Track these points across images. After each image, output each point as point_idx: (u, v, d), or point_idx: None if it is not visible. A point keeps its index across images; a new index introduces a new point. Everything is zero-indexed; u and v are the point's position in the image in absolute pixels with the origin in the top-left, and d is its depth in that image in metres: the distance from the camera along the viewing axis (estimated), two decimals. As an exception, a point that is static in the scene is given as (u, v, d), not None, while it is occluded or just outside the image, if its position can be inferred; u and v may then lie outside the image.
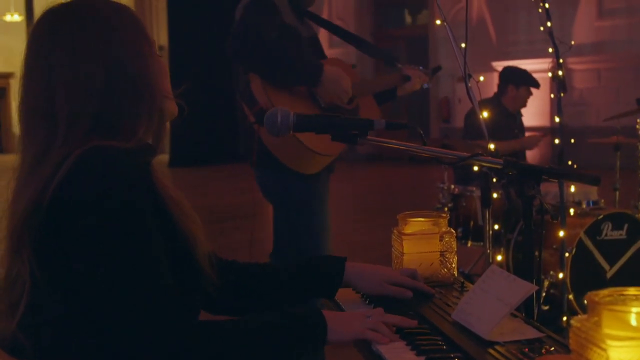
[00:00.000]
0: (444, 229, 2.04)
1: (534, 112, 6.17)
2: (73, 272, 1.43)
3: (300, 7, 3.47)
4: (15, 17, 21.87)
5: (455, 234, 2.06)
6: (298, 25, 3.41)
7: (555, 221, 4.09)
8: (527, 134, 6.03)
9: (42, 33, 1.58)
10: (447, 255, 2.03)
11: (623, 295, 1.11)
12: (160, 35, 19.31)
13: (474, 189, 4.95)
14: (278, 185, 3.36)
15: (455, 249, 2.05)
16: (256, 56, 3.15)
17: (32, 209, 1.44)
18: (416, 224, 2.04)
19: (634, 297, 1.10)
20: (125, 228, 1.43)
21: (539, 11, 3.98)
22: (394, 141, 1.86)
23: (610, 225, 4.54)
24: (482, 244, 4.81)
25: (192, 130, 13.33)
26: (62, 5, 1.61)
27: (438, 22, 3.38)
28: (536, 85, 5.76)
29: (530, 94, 5.78)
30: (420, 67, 3.77)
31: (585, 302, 1.12)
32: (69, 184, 1.43)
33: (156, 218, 1.50)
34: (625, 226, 4.57)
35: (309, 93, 3.27)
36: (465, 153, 1.88)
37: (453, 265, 2.04)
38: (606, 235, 4.53)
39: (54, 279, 1.45)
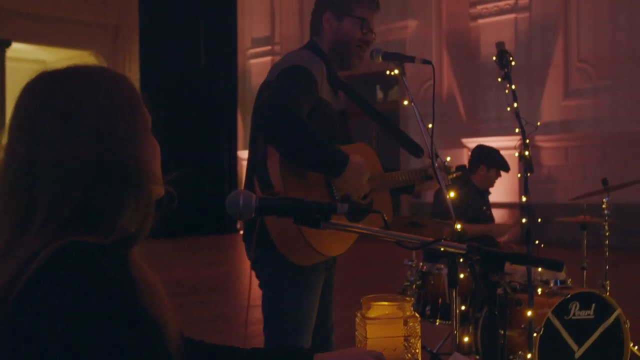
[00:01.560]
0: (408, 313, 2.01)
1: (502, 190, 6.23)
2: None
3: (338, 81, 3.32)
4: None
5: (419, 319, 2.03)
6: (331, 100, 3.25)
7: (519, 307, 4.09)
8: (494, 211, 6.07)
9: (30, 101, 1.45)
10: (411, 340, 2.00)
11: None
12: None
13: (442, 266, 4.93)
14: (269, 267, 3.12)
15: (420, 334, 2.02)
16: (283, 132, 2.85)
17: None
18: (380, 308, 2.01)
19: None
20: (94, 336, 1.33)
21: (506, 92, 4.05)
22: (358, 226, 1.85)
23: (578, 304, 4.53)
24: (450, 322, 4.77)
25: (157, 202, 13.32)
26: (55, 71, 1.49)
27: (406, 102, 3.42)
28: (506, 169, 5.85)
29: (499, 175, 5.87)
30: (445, 162, 3.50)
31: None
32: (39, 283, 1.33)
33: (130, 322, 1.38)
34: (593, 306, 4.57)
35: (326, 182, 3.06)
36: (429, 238, 1.87)
37: (417, 351, 2.00)
38: (574, 315, 4.52)
39: None
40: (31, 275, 1.33)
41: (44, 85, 1.46)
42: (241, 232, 3.23)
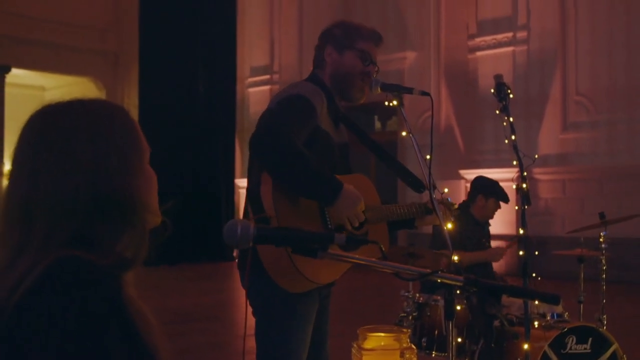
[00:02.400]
0: (405, 345, 2.01)
1: (500, 221, 6.22)
2: None
3: (339, 114, 3.34)
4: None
5: (416, 350, 2.03)
6: (332, 131, 3.26)
7: (516, 340, 4.08)
8: (493, 242, 6.06)
9: (29, 136, 1.51)
10: (407, 372, 1.99)
11: None
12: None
13: (439, 298, 4.92)
14: (261, 295, 3.09)
15: (416, 366, 2.01)
16: (275, 156, 2.87)
17: None
18: (376, 339, 2.01)
19: None
20: (87, 350, 1.34)
21: (504, 124, 4.06)
22: (356, 256, 1.84)
23: (574, 338, 4.52)
24: (446, 354, 4.74)
25: (154, 230, 13.34)
26: (54, 106, 1.55)
27: (404, 133, 3.43)
28: (505, 199, 5.83)
29: (499, 206, 5.86)
30: (449, 198, 3.51)
31: None
32: (35, 296, 1.36)
33: (122, 338, 1.40)
34: (590, 340, 4.56)
35: (320, 210, 3.03)
36: (426, 269, 1.86)
37: (413, 383, 2.00)
38: (571, 348, 4.51)
39: None
40: (26, 289, 1.35)
41: (42, 120, 1.52)
42: (237, 260, 3.22)
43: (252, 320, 3.18)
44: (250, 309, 3.16)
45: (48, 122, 1.52)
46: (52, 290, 1.36)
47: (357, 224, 3.04)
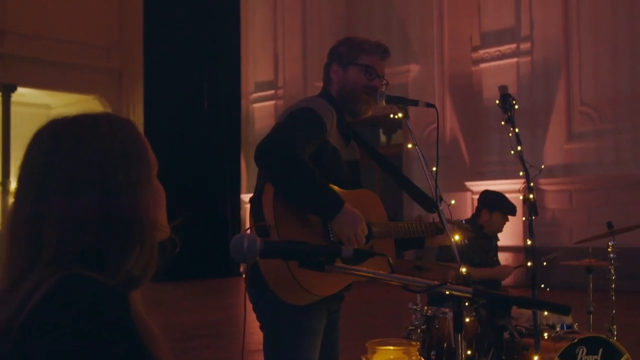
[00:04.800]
0: (414, 358, 1.99)
1: (507, 233, 6.19)
2: None
3: (348, 130, 3.35)
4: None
5: (425, 363, 2.01)
6: (341, 147, 3.27)
7: (526, 352, 4.05)
8: (500, 255, 6.04)
9: (37, 152, 1.48)
10: (417, 386, 1.97)
11: None
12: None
13: (447, 310, 4.89)
14: (268, 310, 3.10)
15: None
16: (278, 167, 2.88)
17: (2, 332, 1.34)
18: (385, 353, 2.00)
19: None
20: None
21: (509, 135, 4.06)
22: (363, 269, 1.83)
23: (585, 349, 4.48)
24: (455, 367, 4.72)
25: (161, 246, 13.36)
26: (60, 121, 1.51)
27: (410, 145, 3.42)
28: (511, 212, 5.80)
29: (506, 220, 5.82)
30: (463, 221, 3.52)
31: None
32: (39, 315, 1.33)
33: (130, 357, 1.37)
34: (600, 350, 4.52)
35: (323, 222, 3.00)
36: (435, 281, 1.85)
37: (423, 396, 1.98)
38: (581, 359, 4.47)
39: None
40: (33, 307, 1.34)
41: (50, 136, 1.49)
42: (244, 275, 3.21)
43: (260, 335, 3.18)
44: (253, 325, 3.16)
45: (55, 138, 1.49)
46: (57, 309, 1.34)
47: (356, 246, 2.98)
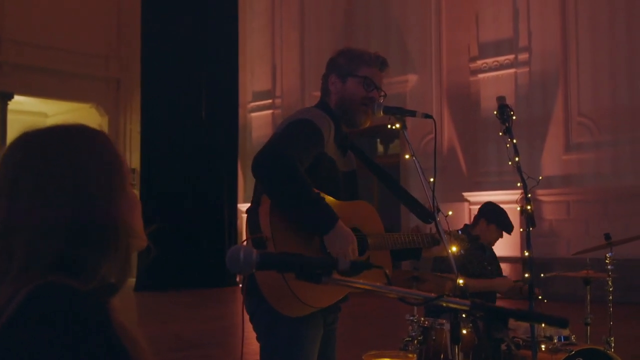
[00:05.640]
0: (410, 371, 1.97)
1: (504, 244, 6.17)
2: None
3: (345, 141, 3.36)
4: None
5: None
6: (338, 158, 3.28)
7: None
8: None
9: (10, 161, 1.49)
10: (413, 399, 1.95)
11: None
12: (133, 158, 19.63)
13: (444, 321, 4.87)
14: (264, 321, 3.10)
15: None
16: (274, 179, 2.87)
17: None
18: (382, 366, 1.97)
19: None
20: None
21: (507, 146, 4.04)
22: (360, 281, 1.81)
23: (582, 361, 4.47)
24: (452, 379, 4.69)
25: (158, 255, 13.34)
26: (34, 132, 1.53)
27: (407, 156, 3.42)
28: (507, 229, 5.79)
29: (500, 235, 5.82)
30: (459, 231, 3.52)
31: None
32: (13, 328, 1.31)
33: (109, 354, 1.35)
34: (598, 363, 4.51)
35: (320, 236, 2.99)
36: (432, 293, 1.83)
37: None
38: (579, 371, 4.45)
39: None
40: (7, 319, 1.32)
41: (22, 145, 1.51)
42: (241, 285, 3.20)
43: (256, 346, 3.17)
44: (254, 335, 3.15)
45: (28, 147, 1.50)
46: (32, 321, 1.32)
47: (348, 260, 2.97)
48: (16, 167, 1.48)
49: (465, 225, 5.90)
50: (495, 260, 5.95)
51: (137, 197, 1.63)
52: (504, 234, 5.86)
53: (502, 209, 5.91)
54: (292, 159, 2.87)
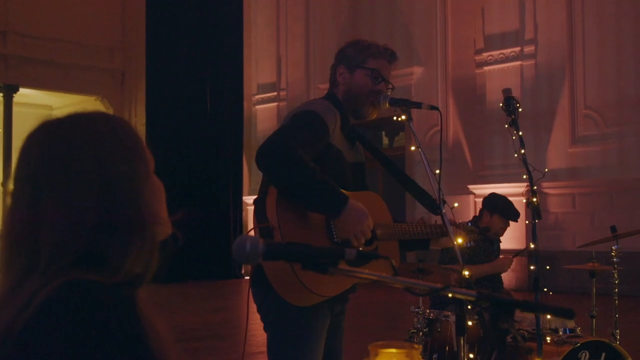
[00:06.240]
0: (416, 362, 1.97)
1: (510, 236, 6.17)
2: None
3: (353, 133, 3.36)
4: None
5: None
6: (346, 150, 3.28)
7: (528, 356, 4.03)
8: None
9: (32, 152, 1.45)
10: (419, 390, 1.96)
11: None
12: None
13: (450, 313, 4.87)
14: (272, 311, 3.10)
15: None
16: (280, 168, 2.87)
17: (0, 339, 1.31)
18: (388, 356, 1.98)
19: None
20: None
21: (513, 138, 4.04)
22: (366, 271, 1.81)
23: (587, 354, 4.47)
24: (457, 371, 4.70)
25: (162, 247, 13.36)
26: (55, 120, 1.48)
27: (413, 148, 3.41)
28: (512, 217, 5.75)
29: (507, 224, 5.78)
30: (469, 223, 3.52)
31: None
32: (37, 324, 1.29)
33: (133, 353, 1.32)
34: (603, 355, 4.50)
35: (326, 223, 3.00)
36: (438, 284, 1.83)
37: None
38: (584, 364, 4.45)
39: None
40: (30, 315, 1.30)
41: (45, 135, 1.46)
42: (246, 277, 3.20)
43: (262, 338, 3.17)
44: (259, 327, 3.15)
45: (49, 138, 1.46)
46: (58, 316, 1.29)
47: (363, 241, 2.99)
48: (38, 159, 1.43)
49: (474, 217, 5.90)
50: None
51: (161, 184, 1.58)
52: (512, 223, 5.84)
53: (504, 199, 5.88)
54: (293, 147, 2.87)
